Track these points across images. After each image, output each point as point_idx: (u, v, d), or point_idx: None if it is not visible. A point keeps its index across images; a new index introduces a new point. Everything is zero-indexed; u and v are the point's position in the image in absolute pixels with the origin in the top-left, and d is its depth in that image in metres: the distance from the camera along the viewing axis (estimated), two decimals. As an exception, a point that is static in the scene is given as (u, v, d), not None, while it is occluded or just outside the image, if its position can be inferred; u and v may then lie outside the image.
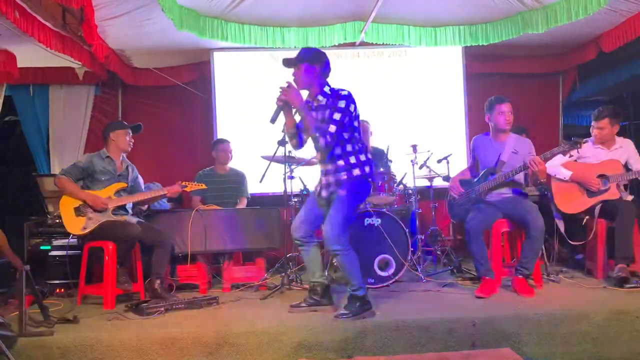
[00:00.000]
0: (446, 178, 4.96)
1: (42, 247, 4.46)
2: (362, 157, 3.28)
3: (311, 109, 3.31)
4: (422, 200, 5.37)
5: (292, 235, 3.47)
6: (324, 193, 3.33)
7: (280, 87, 3.24)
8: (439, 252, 4.99)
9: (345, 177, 3.22)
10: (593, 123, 4.26)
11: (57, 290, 4.30)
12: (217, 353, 2.83)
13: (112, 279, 3.76)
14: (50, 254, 4.44)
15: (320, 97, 3.31)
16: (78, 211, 3.84)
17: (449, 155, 5.14)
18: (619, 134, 4.28)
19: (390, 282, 4.14)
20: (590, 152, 4.24)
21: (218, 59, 5.91)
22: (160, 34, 4.90)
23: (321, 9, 5.06)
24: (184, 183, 4.15)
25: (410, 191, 4.87)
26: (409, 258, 4.21)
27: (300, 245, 3.44)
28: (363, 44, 5.75)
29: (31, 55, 4.79)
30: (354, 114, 3.25)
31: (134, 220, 4.02)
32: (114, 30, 4.68)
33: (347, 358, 2.81)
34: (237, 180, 5.20)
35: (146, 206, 4.42)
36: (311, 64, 3.27)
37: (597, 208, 4.09)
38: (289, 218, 4.63)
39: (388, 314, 3.16)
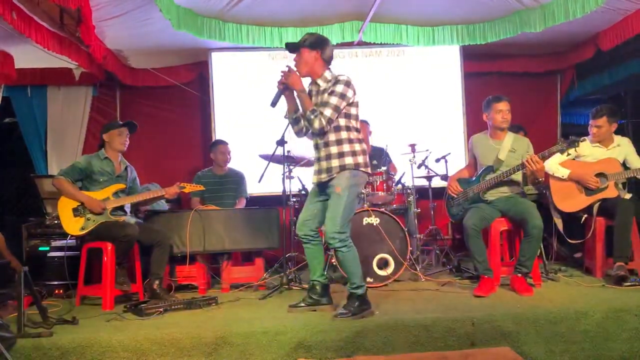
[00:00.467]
0: (444, 177, 4.97)
1: (40, 248, 4.46)
2: (357, 147, 3.24)
3: (311, 95, 3.31)
4: (421, 199, 5.38)
5: (297, 233, 3.47)
6: (316, 180, 3.32)
7: (282, 71, 3.25)
8: (437, 251, 5.00)
9: (337, 164, 3.19)
10: (591, 121, 4.26)
11: (56, 292, 4.29)
12: (216, 353, 2.83)
13: (110, 280, 3.76)
14: (48, 255, 4.44)
15: (320, 82, 3.30)
16: (76, 212, 3.84)
17: (447, 155, 5.16)
18: (616, 132, 4.29)
19: (389, 281, 4.15)
20: (588, 151, 4.25)
21: (216, 59, 5.91)
22: (158, 34, 4.90)
23: (319, 9, 5.06)
24: (182, 184, 4.14)
25: (408, 190, 4.87)
26: (408, 257, 4.21)
27: (305, 243, 3.44)
28: (361, 43, 5.75)
29: (29, 56, 4.79)
30: (351, 100, 3.22)
31: (133, 220, 4.02)
32: (111, 30, 4.68)
33: (346, 357, 2.81)
34: (236, 180, 5.20)
35: (145, 208, 4.42)
36: (312, 49, 3.26)
37: (596, 206, 4.10)
38: (287, 218, 4.63)
39: (387, 313, 3.16)
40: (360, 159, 3.23)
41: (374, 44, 5.63)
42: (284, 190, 4.40)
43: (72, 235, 3.89)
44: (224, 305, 3.68)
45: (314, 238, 3.43)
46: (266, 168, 4.30)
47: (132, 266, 4.05)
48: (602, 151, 4.23)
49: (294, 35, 5.33)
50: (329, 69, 3.34)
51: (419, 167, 5.03)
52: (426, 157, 5.07)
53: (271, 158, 4.33)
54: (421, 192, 5.33)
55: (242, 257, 4.76)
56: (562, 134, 6.51)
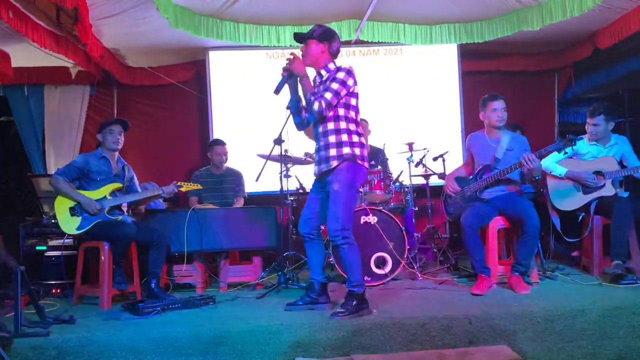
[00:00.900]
0: (442, 176, 4.98)
1: (37, 248, 4.45)
2: (355, 138, 3.24)
3: (315, 85, 3.32)
4: (419, 198, 5.38)
5: (298, 231, 3.48)
6: (317, 171, 3.33)
7: (287, 58, 3.26)
8: (435, 250, 5.00)
9: (335, 153, 3.19)
10: (588, 120, 4.27)
11: (53, 291, 4.28)
12: (213, 352, 2.83)
13: (108, 279, 3.75)
14: (46, 254, 4.43)
15: (323, 72, 3.32)
16: (73, 211, 3.83)
17: (445, 153, 5.16)
18: (614, 131, 4.29)
19: (387, 279, 4.15)
20: (586, 149, 4.25)
21: (213, 57, 5.90)
22: (155, 33, 4.89)
23: (317, 7, 5.05)
24: (179, 183, 4.13)
25: (406, 189, 4.87)
26: (406, 256, 4.21)
27: (306, 241, 3.45)
28: (359, 42, 5.75)
29: (25, 54, 4.78)
30: (352, 89, 3.23)
31: (130, 220, 4.01)
32: (108, 29, 4.67)
33: (344, 356, 2.81)
34: (234, 179, 5.19)
35: (143, 207, 4.41)
36: (319, 40, 3.28)
37: (593, 205, 4.10)
38: (285, 217, 4.62)
39: (385, 312, 3.16)
40: (358, 150, 3.23)
41: (372, 42, 5.63)
42: (282, 189, 4.40)
43: (69, 235, 3.88)
44: (222, 304, 3.68)
45: (315, 236, 3.43)
46: (263, 167, 4.30)
47: (130, 265, 4.04)
48: (600, 149, 4.23)
49: (292, 33, 5.32)
50: (334, 62, 3.35)
51: (417, 165, 5.03)
52: (424, 156, 5.07)
53: (269, 157, 4.33)
54: (419, 190, 5.33)
55: (239, 256, 4.75)
56: (560, 132, 6.52)
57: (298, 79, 3.25)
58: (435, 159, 5.15)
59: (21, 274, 3.01)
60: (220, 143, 5.20)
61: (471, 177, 4.03)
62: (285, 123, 3.91)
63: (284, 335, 2.88)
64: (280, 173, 4.39)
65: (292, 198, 4.84)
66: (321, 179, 3.36)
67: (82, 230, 3.81)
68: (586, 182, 4.09)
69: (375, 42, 5.62)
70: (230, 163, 5.29)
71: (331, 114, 3.21)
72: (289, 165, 4.65)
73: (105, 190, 3.94)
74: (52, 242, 4.46)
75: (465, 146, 4.30)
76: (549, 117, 6.61)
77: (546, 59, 6.26)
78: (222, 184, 5.11)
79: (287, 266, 4.48)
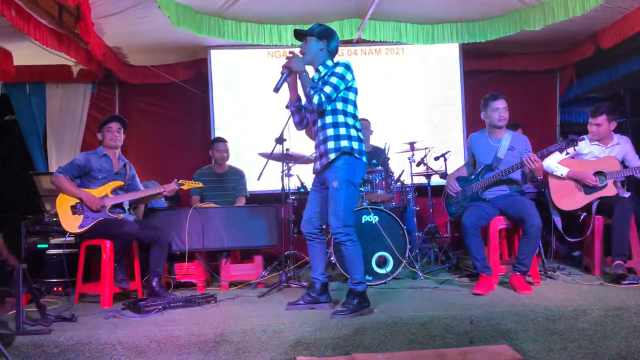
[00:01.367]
0: (443, 175, 4.97)
1: (39, 246, 4.45)
2: (353, 132, 3.25)
3: (314, 82, 3.32)
4: (420, 197, 5.38)
5: (301, 230, 3.49)
6: (318, 165, 3.33)
7: (286, 56, 3.28)
8: (436, 250, 5.00)
9: (333, 146, 3.19)
10: (590, 120, 4.26)
11: (55, 289, 4.29)
12: (214, 351, 2.83)
13: (109, 277, 3.76)
14: (47, 252, 4.43)
15: (321, 68, 3.33)
16: (75, 209, 3.83)
17: (446, 153, 5.16)
18: (616, 130, 4.28)
19: (388, 279, 4.15)
20: (587, 149, 4.25)
21: (215, 56, 5.90)
22: (157, 31, 4.90)
23: (319, 6, 5.05)
24: (180, 181, 4.14)
25: (407, 189, 4.87)
26: (407, 255, 4.21)
27: (309, 240, 3.45)
28: (360, 41, 5.75)
29: (27, 53, 4.79)
30: (350, 83, 3.24)
31: (131, 218, 4.02)
32: (110, 27, 4.67)
33: (345, 355, 2.81)
34: (236, 178, 5.19)
35: (143, 206, 4.42)
36: (319, 38, 3.30)
37: (595, 205, 4.10)
38: (286, 216, 4.63)
39: (386, 311, 3.16)
40: (356, 144, 3.23)
41: (374, 42, 5.63)
42: (283, 188, 4.40)
43: (70, 233, 3.89)
44: (223, 303, 3.68)
45: (318, 236, 3.44)
46: (265, 166, 4.30)
47: (131, 264, 4.05)
48: (601, 149, 4.23)
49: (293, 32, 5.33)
50: (332, 59, 3.36)
51: (418, 165, 5.03)
52: (425, 155, 5.07)
53: (270, 156, 4.33)
54: (420, 190, 5.33)
55: (241, 255, 4.76)
56: (561, 132, 6.52)
57: (297, 76, 3.26)
58: (436, 158, 5.14)
59: (23, 272, 3.01)
60: (221, 140, 5.21)
61: (472, 176, 4.03)
62: (287, 122, 3.90)
63: (285, 334, 2.88)
64: (282, 172, 4.39)
65: (293, 197, 4.84)
66: (320, 175, 3.36)
67: (83, 229, 3.81)
68: (588, 182, 4.09)
69: (377, 42, 5.62)
70: (232, 162, 5.29)
71: (329, 108, 3.23)
72: (290, 165, 4.65)
73: (106, 188, 3.95)
74: (53, 240, 4.45)
75: (467, 146, 4.30)
76: (550, 116, 6.60)
77: (548, 59, 6.25)
78: (224, 183, 5.11)
79: (288, 265, 4.48)
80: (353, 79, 3.27)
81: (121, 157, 4.16)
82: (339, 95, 3.23)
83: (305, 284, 3.92)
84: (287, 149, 4.37)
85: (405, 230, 4.24)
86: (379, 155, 4.86)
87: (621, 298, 3.24)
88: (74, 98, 5.87)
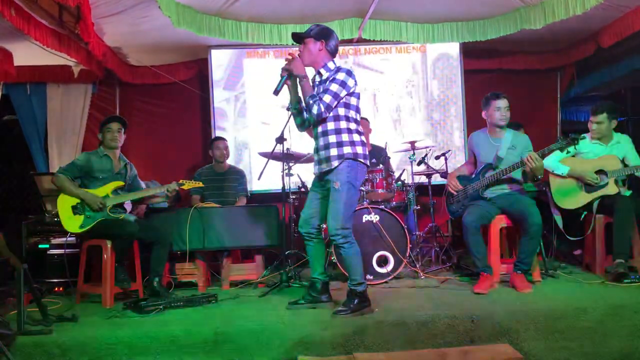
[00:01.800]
0: (444, 174, 4.97)
1: (40, 246, 4.46)
2: (356, 137, 3.24)
3: (314, 84, 3.31)
4: (421, 196, 5.37)
5: (298, 230, 3.48)
6: (317, 170, 3.33)
7: (286, 58, 3.26)
8: (437, 249, 5.00)
9: (336, 153, 3.19)
10: (591, 118, 4.26)
11: (56, 289, 4.30)
12: (215, 351, 2.83)
13: (110, 277, 3.76)
14: (48, 252, 4.44)
15: (322, 71, 3.31)
16: (76, 209, 3.83)
17: (447, 152, 5.16)
18: (616, 129, 4.28)
19: (389, 278, 4.15)
20: (588, 148, 4.24)
21: (216, 56, 5.90)
22: (157, 31, 4.89)
23: (319, 6, 5.04)
24: (181, 181, 4.14)
25: (408, 188, 4.87)
26: (408, 254, 4.21)
27: (306, 240, 3.45)
28: (361, 40, 5.74)
29: (28, 53, 4.78)
30: (352, 89, 3.22)
31: (132, 218, 4.02)
32: (110, 27, 4.67)
33: (346, 355, 2.81)
34: (237, 178, 5.18)
35: (143, 207, 4.42)
36: (317, 39, 3.28)
37: (596, 204, 4.09)
38: (287, 215, 4.63)
39: (387, 311, 3.16)
40: (359, 149, 3.22)
41: (374, 41, 5.62)
42: (284, 188, 4.40)
43: (71, 233, 3.89)
44: (224, 303, 3.68)
45: (316, 236, 3.43)
46: (265, 165, 4.30)
47: (132, 264, 4.05)
48: (602, 148, 4.22)
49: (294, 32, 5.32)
50: (333, 60, 3.34)
51: (419, 164, 5.03)
52: (426, 155, 5.07)
53: (271, 155, 4.33)
54: (421, 189, 5.32)
55: (241, 255, 4.76)
56: (562, 131, 6.51)
57: (297, 79, 3.25)
58: (437, 157, 5.14)
59: (24, 272, 3.02)
60: (221, 139, 5.21)
61: (473, 175, 4.03)
62: (287, 122, 3.90)
63: (286, 333, 2.88)
64: (282, 171, 4.39)
65: (294, 196, 4.84)
66: (321, 178, 3.35)
67: (84, 229, 3.81)
68: (588, 181, 4.08)
69: (377, 41, 5.60)
70: (232, 162, 5.29)
71: (331, 114, 3.21)
72: (290, 164, 4.65)
73: (107, 189, 3.95)
74: (54, 240, 4.47)
75: (468, 145, 4.30)
76: (551, 115, 6.59)
77: (549, 58, 6.24)
78: (225, 182, 5.11)
79: (289, 264, 4.48)
80: (355, 84, 3.24)
81: (122, 157, 4.16)
82: (341, 100, 3.21)
83: (306, 283, 3.92)
84: (288, 149, 4.37)
85: (406, 230, 4.24)
86: (379, 154, 4.86)
87: (622, 297, 3.25)
88: (74, 98, 5.87)
